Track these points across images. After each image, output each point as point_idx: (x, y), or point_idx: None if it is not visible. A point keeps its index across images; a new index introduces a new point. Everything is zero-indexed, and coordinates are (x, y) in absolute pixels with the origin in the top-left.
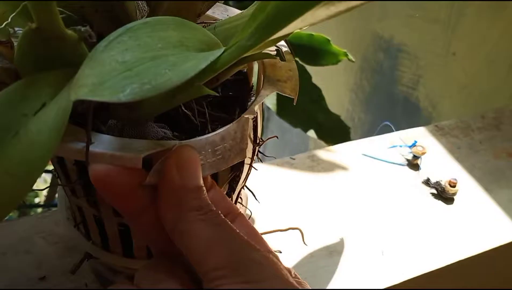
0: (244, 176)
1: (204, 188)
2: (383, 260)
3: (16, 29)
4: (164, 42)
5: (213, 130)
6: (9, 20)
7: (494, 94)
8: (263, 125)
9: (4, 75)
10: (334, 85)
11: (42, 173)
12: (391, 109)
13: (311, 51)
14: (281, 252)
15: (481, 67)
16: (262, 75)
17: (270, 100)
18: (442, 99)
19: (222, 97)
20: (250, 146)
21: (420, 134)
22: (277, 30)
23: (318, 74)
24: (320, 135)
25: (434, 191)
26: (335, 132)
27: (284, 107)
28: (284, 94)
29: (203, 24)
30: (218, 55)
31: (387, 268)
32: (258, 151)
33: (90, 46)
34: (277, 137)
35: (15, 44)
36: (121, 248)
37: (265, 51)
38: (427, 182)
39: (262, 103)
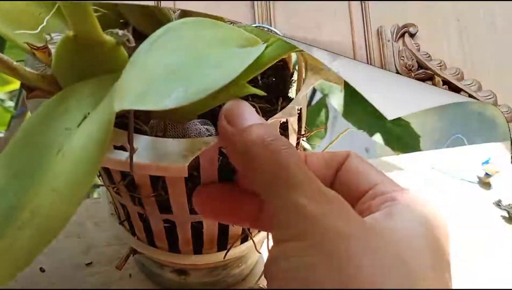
0: None
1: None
2: None
3: (53, 34)
4: (207, 41)
5: None
6: (45, 22)
7: None
8: (326, 126)
9: (41, 81)
10: None
11: (88, 189)
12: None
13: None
14: None
15: None
16: (304, 64)
17: (336, 100)
18: None
19: (262, 84)
20: (293, 136)
21: (495, 150)
22: None
23: None
24: (387, 141)
25: (506, 214)
26: (403, 139)
27: (350, 108)
28: (329, 82)
29: (229, 23)
30: (262, 50)
31: None
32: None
33: (129, 49)
34: (325, 129)
35: (53, 50)
36: (167, 243)
37: None
38: (498, 204)
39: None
